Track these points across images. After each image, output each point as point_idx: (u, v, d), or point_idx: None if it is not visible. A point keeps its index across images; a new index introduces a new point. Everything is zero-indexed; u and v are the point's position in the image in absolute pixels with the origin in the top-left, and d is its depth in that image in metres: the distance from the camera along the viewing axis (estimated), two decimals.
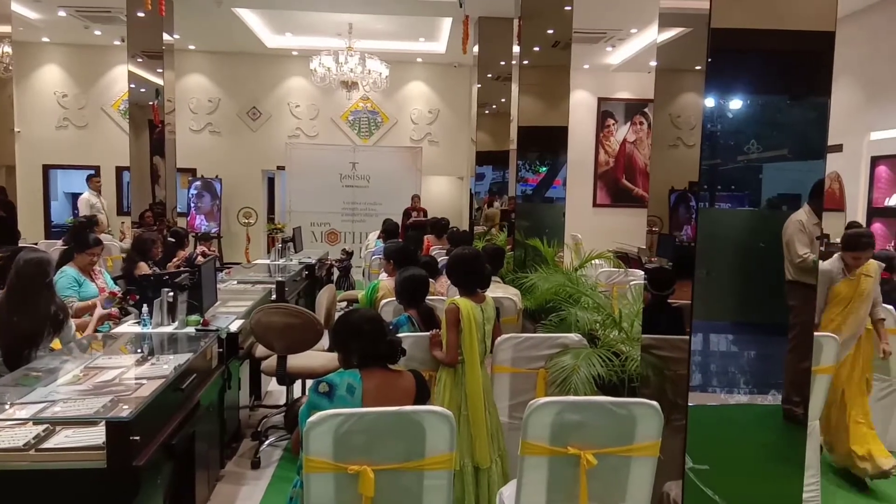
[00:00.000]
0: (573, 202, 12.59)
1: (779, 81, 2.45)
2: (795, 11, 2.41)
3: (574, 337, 3.38)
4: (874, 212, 8.09)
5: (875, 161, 8.07)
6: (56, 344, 3.60)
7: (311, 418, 2.09)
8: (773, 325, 2.56)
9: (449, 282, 3.60)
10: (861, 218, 8.16)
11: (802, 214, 2.54)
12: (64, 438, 2.51)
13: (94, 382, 2.97)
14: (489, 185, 9.88)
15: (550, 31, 6.61)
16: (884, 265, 4.33)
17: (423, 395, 2.54)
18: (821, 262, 3.42)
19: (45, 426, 2.56)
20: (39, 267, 3.45)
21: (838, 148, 8.66)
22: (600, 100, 12.97)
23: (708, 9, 2.35)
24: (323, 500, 2.13)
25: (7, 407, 2.67)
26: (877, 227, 8.01)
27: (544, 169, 6.82)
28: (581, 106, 12.89)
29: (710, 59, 2.37)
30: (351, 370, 2.46)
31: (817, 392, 3.53)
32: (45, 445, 2.45)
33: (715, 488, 2.56)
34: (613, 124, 13.14)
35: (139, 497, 2.48)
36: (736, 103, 2.43)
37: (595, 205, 13.13)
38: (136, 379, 3.01)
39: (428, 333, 3.35)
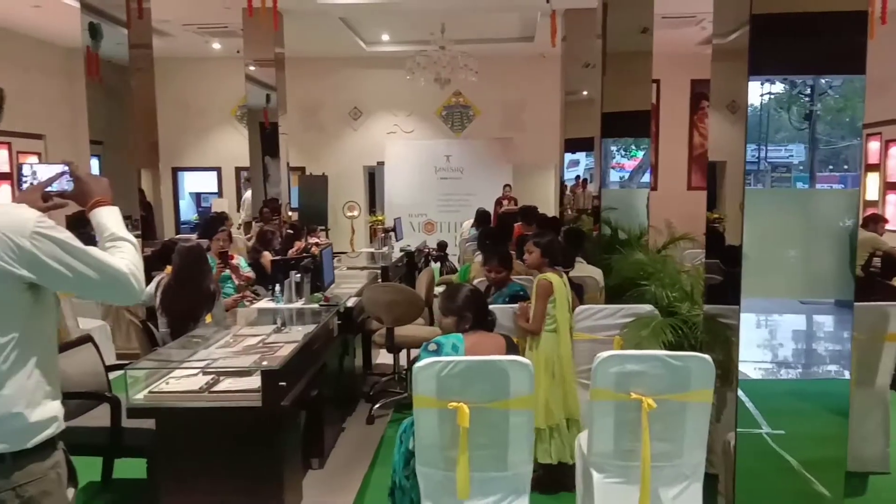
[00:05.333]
0: (666, 186, 12.66)
1: (816, 62, 2.72)
2: None
3: (645, 307, 3.76)
4: None
5: None
6: (209, 318, 4.37)
7: (418, 364, 2.64)
8: (822, 302, 2.87)
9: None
10: None
11: None
12: (228, 384, 3.20)
13: (242, 346, 3.69)
14: (583, 172, 10.19)
15: (634, 18, 6.85)
16: None
17: (512, 354, 3.04)
18: None
19: (212, 376, 3.26)
20: (199, 254, 4.22)
21: None
22: (693, 81, 12.85)
23: None
24: (429, 430, 2.67)
25: (181, 363, 3.42)
26: None
27: (639, 153, 7.10)
28: (673, 89, 12.83)
29: (751, 44, 2.68)
30: (455, 334, 3.00)
31: (886, 360, 3.74)
32: (215, 389, 3.14)
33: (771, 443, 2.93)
34: (708, 106, 12.98)
35: (283, 433, 3.14)
36: (778, 85, 2.73)
37: (689, 188, 13.07)
38: (275, 343, 3.69)
39: (514, 306, 3.83)
